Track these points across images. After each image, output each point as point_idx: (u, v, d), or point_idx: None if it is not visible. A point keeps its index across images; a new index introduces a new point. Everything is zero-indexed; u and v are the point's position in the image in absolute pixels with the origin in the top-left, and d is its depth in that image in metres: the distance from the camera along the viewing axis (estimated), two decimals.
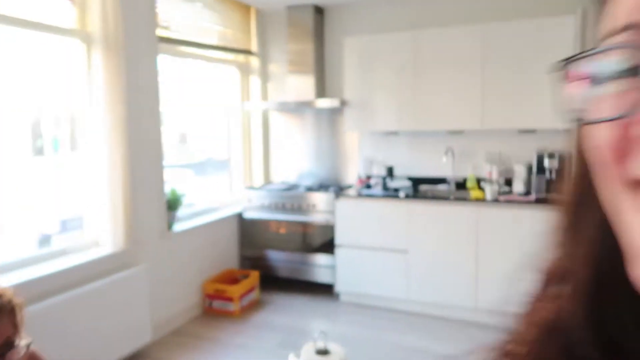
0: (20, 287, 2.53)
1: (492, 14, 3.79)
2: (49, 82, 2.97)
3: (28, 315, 2.65)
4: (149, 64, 3.30)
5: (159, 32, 3.41)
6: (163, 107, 3.45)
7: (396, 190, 3.91)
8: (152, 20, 3.32)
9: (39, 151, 3.82)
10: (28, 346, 1.32)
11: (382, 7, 4.16)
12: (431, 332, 3.41)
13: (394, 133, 4.18)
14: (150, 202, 3.34)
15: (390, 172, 4.14)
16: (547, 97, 3.37)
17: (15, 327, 1.19)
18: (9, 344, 1.16)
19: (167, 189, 3.52)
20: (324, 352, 1.24)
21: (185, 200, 3.68)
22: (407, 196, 3.71)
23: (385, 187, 3.98)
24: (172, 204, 3.56)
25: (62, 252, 2.88)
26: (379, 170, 4.25)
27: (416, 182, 4.13)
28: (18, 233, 2.85)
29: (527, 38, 3.42)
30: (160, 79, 3.37)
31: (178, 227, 3.63)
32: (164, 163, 3.45)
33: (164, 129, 3.46)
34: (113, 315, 2.92)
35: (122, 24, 2.94)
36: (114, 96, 2.92)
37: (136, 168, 3.13)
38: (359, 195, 3.91)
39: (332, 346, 1.27)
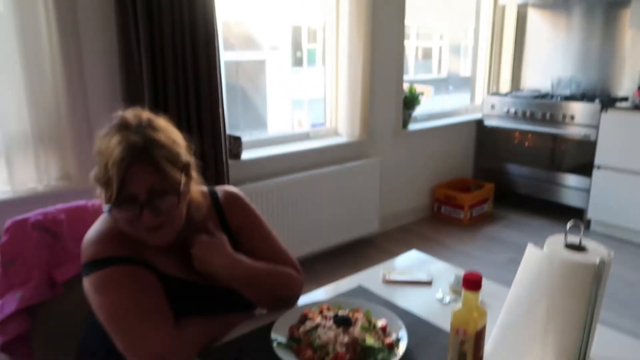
0: (275, 159, 2.81)
1: None
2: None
3: (277, 186, 2.90)
4: None
5: None
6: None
7: None
8: None
9: (298, 62, 4.13)
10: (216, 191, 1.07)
11: None
12: None
13: None
14: (388, 99, 3.31)
15: None
16: None
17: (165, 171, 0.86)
18: (161, 192, 0.86)
19: (406, 88, 3.43)
20: (577, 247, 0.91)
21: (422, 100, 3.53)
22: None
23: None
24: (409, 103, 3.46)
25: (309, 137, 3.13)
26: None
27: None
28: (281, 120, 3.16)
29: None
30: None
31: (413, 127, 3.54)
32: (405, 76, 3.36)
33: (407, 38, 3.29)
34: (346, 200, 3.06)
35: None
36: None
37: (376, 65, 3.14)
38: (637, 108, 3.13)
39: (589, 243, 0.92)
